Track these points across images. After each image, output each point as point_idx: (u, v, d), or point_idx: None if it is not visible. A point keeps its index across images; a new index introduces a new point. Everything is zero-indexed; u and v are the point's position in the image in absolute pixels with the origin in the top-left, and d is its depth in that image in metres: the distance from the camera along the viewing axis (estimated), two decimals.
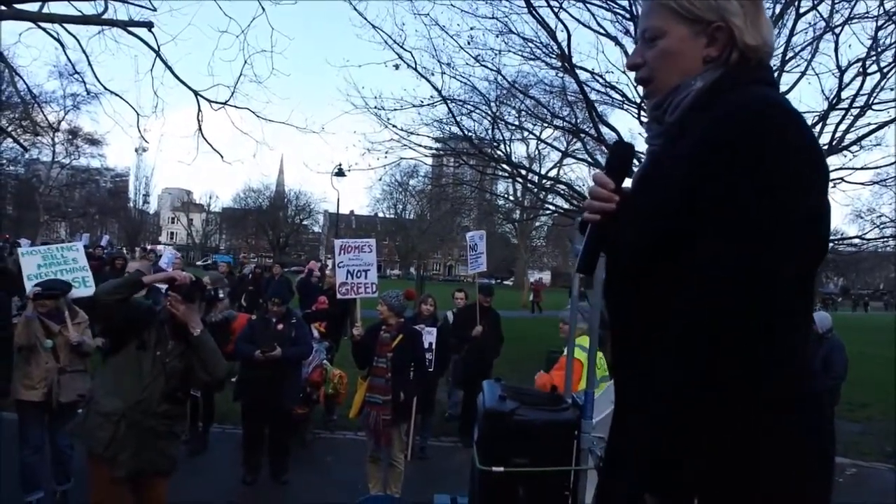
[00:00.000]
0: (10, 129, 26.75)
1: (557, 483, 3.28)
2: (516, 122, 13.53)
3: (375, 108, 11.85)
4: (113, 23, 11.48)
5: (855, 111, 10.12)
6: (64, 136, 37.60)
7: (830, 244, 1.29)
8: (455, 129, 12.85)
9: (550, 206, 16.41)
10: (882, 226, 14.33)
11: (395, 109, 11.88)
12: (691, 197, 1.19)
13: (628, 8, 10.02)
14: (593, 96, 11.19)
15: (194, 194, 76.05)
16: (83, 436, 3.47)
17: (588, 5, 10.30)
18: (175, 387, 3.49)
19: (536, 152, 28.13)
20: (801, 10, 9.55)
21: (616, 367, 1.43)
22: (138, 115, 13.03)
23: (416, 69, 11.12)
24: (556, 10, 10.11)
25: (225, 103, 12.02)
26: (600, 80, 11.14)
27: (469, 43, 11.12)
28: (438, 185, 31.21)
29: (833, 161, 10.02)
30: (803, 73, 10.13)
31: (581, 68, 10.87)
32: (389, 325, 5.32)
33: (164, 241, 64.08)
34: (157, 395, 3.40)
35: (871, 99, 9.95)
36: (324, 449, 6.90)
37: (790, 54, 9.95)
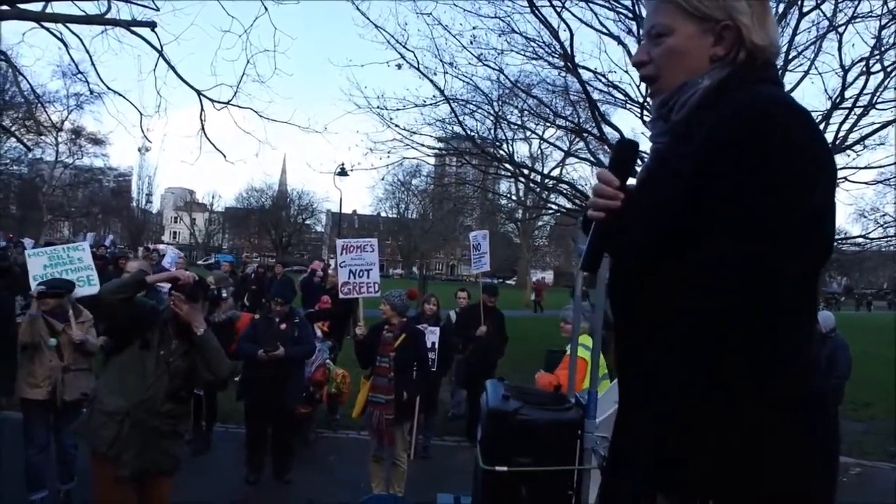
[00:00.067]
0: (13, 128, 26.85)
1: (561, 482, 3.28)
2: (519, 122, 13.50)
3: (378, 107, 11.85)
4: (116, 22, 11.49)
5: (858, 110, 10.09)
6: (67, 136, 37.81)
7: (834, 243, 1.29)
8: (457, 129, 12.84)
9: (553, 206, 16.38)
10: (885, 225, 14.31)
11: (398, 109, 11.88)
12: (697, 195, 1.18)
13: (631, 7, 10.00)
14: (596, 96, 11.17)
15: (197, 194, 76.36)
16: (87, 435, 3.48)
17: (591, 5, 10.29)
18: (179, 386, 3.50)
19: (539, 152, 28.11)
20: (805, 9, 9.53)
21: (620, 366, 1.42)
22: (141, 114, 13.04)
23: (418, 69, 11.11)
24: (558, 9, 10.11)
25: (228, 103, 12.03)
26: (603, 80, 11.12)
27: (471, 42, 11.11)
28: (441, 185, 31.22)
29: (836, 160, 9.93)
30: (806, 73, 10.11)
31: (584, 68, 10.86)
32: (392, 325, 5.32)
33: (167, 241, 64.18)
34: (161, 395, 3.41)
35: (875, 98, 9.92)
36: (327, 448, 6.91)
37: (793, 53, 9.94)
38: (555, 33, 10.43)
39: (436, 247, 44.31)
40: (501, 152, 13.57)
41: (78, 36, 12.06)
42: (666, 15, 1.35)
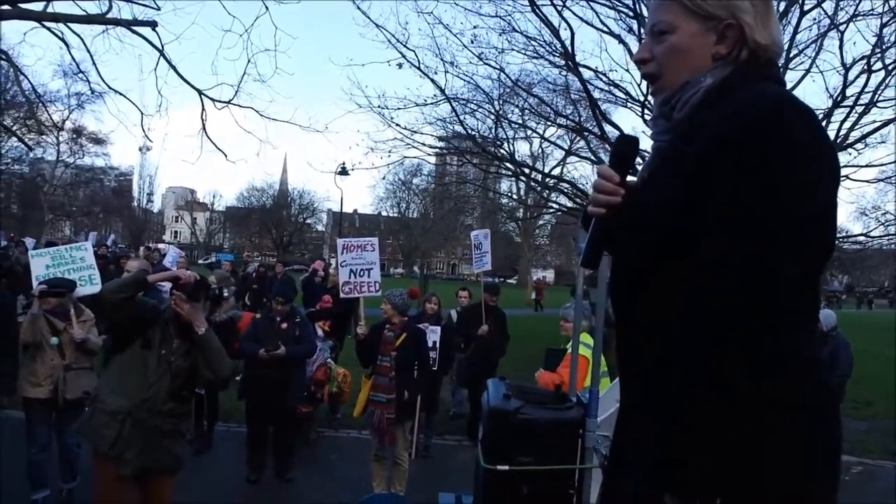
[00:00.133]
0: (14, 128, 26.87)
1: (562, 482, 3.28)
2: (519, 121, 13.48)
3: (379, 107, 11.85)
4: (117, 22, 11.51)
5: (859, 109, 10.06)
6: (68, 135, 37.82)
7: (835, 242, 1.28)
8: (458, 128, 12.84)
9: (554, 205, 16.36)
10: (887, 223, 14.24)
11: (399, 108, 11.87)
12: (698, 195, 1.18)
13: (632, 6, 9.98)
14: (597, 94, 11.15)
15: (198, 193, 76.31)
16: (89, 434, 3.48)
17: (591, 3, 10.26)
18: (180, 385, 3.50)
19: (540, 151, 28.18)
20: (806, 7, 9.50)
21: (622, 365, 1.42)
22: (142, 114, 13.09)
23: (419, 68, 11.10)
24: (559, 8, 10.08)
25: (229, 102, 12.06)
26: (604, 79, 11.11)
27: (472, 41, 11.09)
28: (442, 184, 31.21)
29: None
30: (808, 71, 10.08)
31: (584, 66, 10.84)
32: (393, 324, 5.32)
33: (168, 240, 64.23)
34: (163, 394, 3.41)
35: (876, 96, 9.89)
36: (328, 447, 6.91)
37: (794, 52, 9.91)
38: (555, 32, 10.42)
39: (437, 246, 44.36)
40: (502, 151, 13.56)
41: (79, 35, 12.11)
42: (669, 12, 1.35)
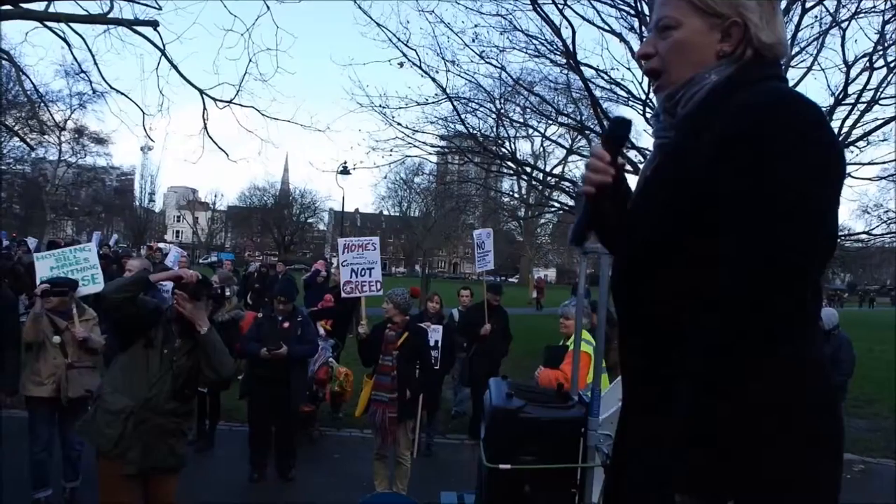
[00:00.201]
0: (16, 127, 26.88)
1: (564, 480, 3.27)
2: (521, 120, 13.48)
3: (380, 106, 11.86)
4: (118, 22, 11.52)
5: (861, 106, 10.06)
6: (70, 135, 37.78)
7: (837, 240, 1.28)
8: (460, 127, 12.85)
9: (555, 204, 16.37)
10: (889, 221, 14.23)
11: (400, 108, 11.88)
12: (706, 191, 1.18)
13: (633, 4, 9.98)
14: (598, 93, 11.16)
15: (200, 193, 76.30)
16: (91, 434, 3.49)
17: (592, 2, 10.26)
18: (183, 385, 3.50)
19: (541, 149, 28.19)
20: (808, 5, 9.50)
21: (624, 364, 1.42)
22: (144, 113, 13.10)
23: (420, 67, 11.11)
24: (560, 6, 10.08)
25: (230, 102, 12.06)
26: (605, 77, 11.12)
27: (473, 40, 11.10)
28: (443, 183, 31.16)
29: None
30: (809, 69, 10.09)
31: (586, 65, 10.85)
32: (395, 323, 5.32)
33: (170, 240, 64.27)
34: (165, 393, 3.42)
35: (878, 94, 9.89)
36: (330, 446, 6.92)
37: (796, 49, 9.90)
38: (557, 30, 10.43)
39: (438, 245, 44.26)
40: (503, 150, 13.56)
41: (81, 35, 12.11)
42: (675, 8, 1.35)
